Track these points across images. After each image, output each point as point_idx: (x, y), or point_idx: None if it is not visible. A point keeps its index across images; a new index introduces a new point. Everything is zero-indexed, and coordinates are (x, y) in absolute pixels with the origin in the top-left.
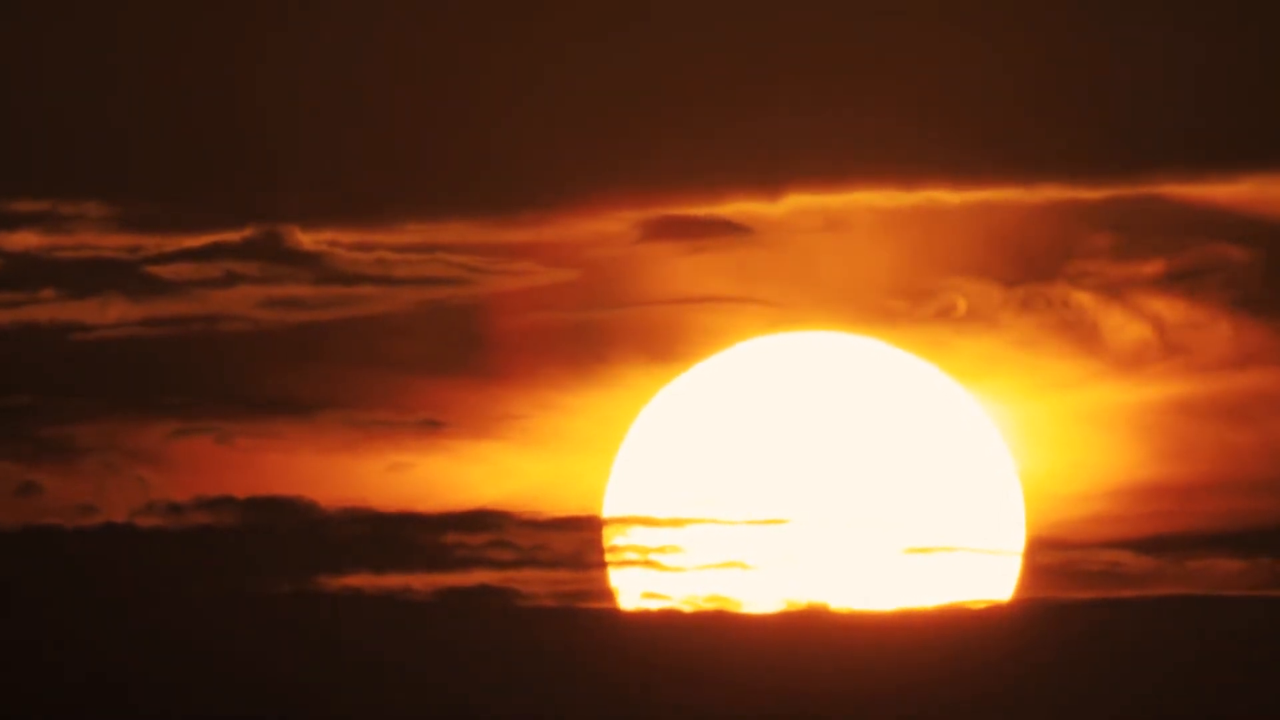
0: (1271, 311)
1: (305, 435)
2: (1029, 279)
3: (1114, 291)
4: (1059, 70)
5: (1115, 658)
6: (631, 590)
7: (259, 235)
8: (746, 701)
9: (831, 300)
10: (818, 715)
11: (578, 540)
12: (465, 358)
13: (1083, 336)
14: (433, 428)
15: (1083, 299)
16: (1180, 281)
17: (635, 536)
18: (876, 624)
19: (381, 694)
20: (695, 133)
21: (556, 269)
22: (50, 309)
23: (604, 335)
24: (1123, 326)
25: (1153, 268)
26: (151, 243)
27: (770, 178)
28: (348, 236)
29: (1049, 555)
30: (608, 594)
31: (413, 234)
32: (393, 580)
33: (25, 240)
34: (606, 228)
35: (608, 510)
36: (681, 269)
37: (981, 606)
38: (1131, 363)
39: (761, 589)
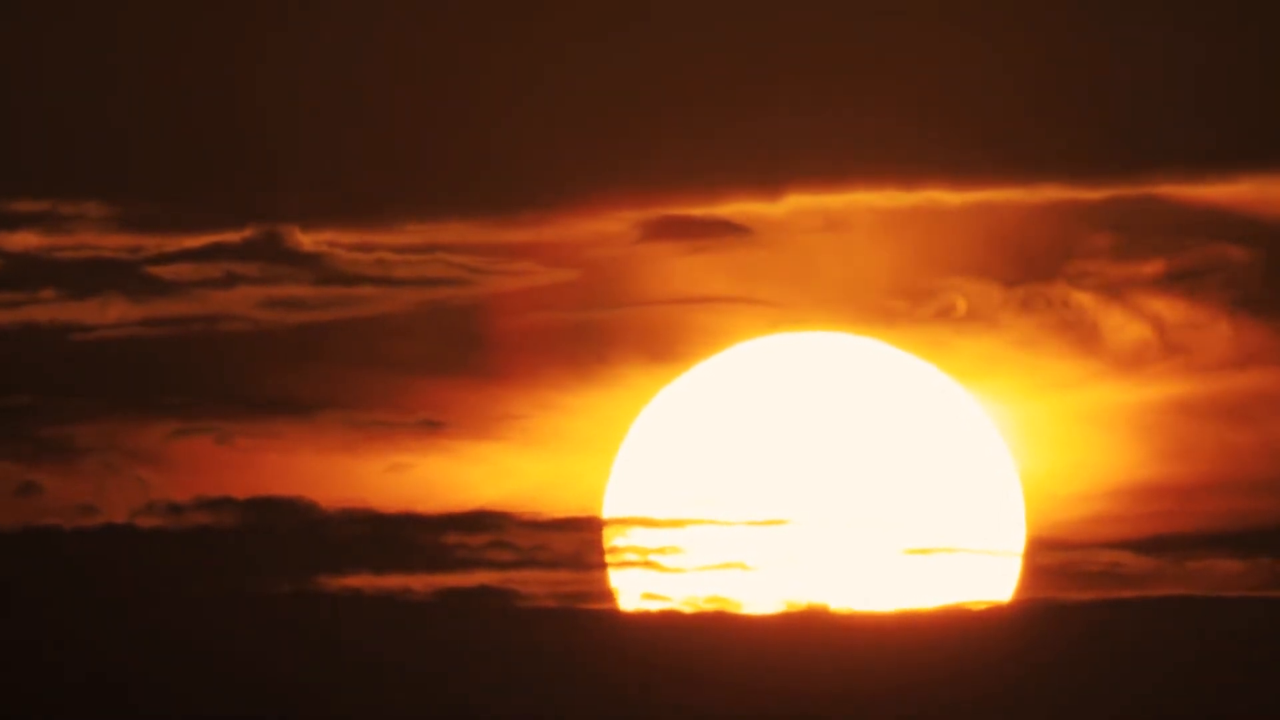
0: (1271, 311)
1: (305, 435)
2: (1029, 279)
3: (1114, 291)
4: (1059, 70)
5: (1115, 658)
6: (631, 591)
7: (259, 235)
8: (746, 702)
9: (831, 300)
10: (818, 715)
11: (578, 541)
12: (465, 358)
13: (1083, 336)
14: (432, 428)
15: (1083, 299)
16: (1180, 281)
17: (635, 537)
18: (876, 625)
19: (381, 694)
20: (695, 133)
21: (556, 269)
22: (50, 309)
23: (604, 335)
24: (1123, 326)
25: (1153, 268)
26: (151, 243)
27: (770, 178)
28: (348, 236)
29: (1049, 556)
30: (608, 595)
31: (413, 234)
32: (393, 581)
33: (25, 240)
34: (606, 228)
35: (608, 511)
36: (681, 269)
37: (982, 607)
38: (1131, 363)
39: (761, 590)
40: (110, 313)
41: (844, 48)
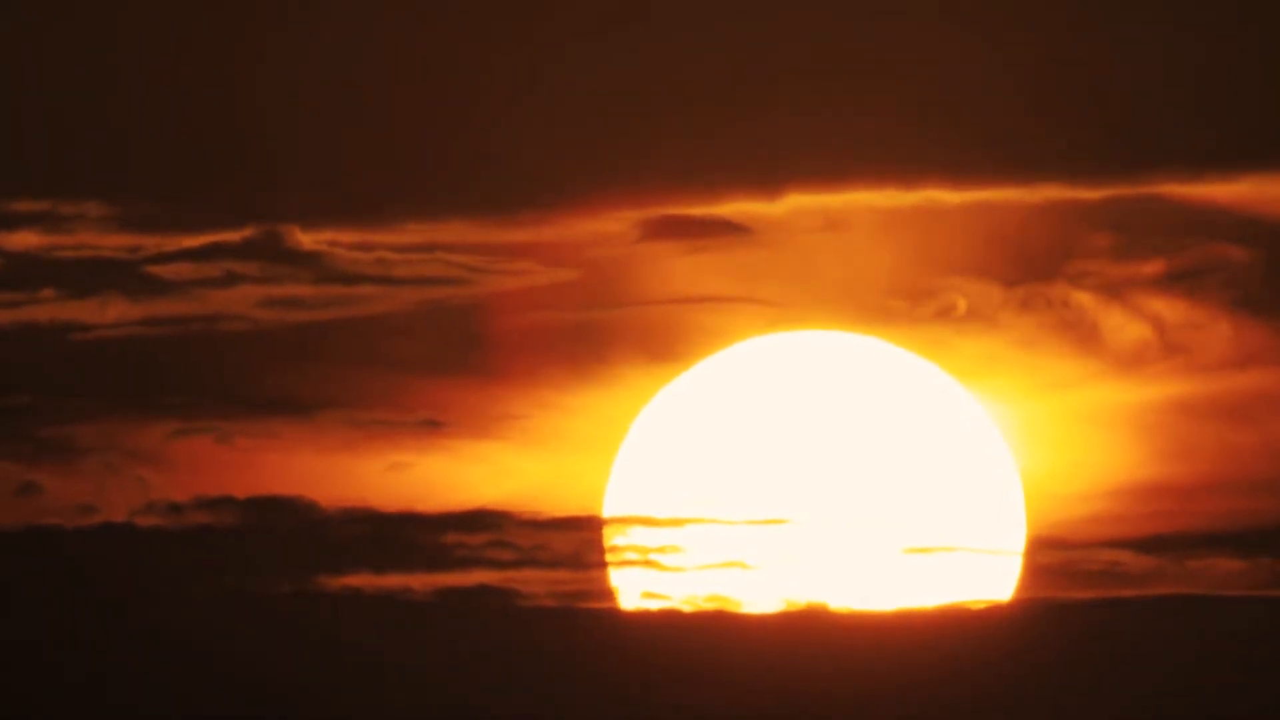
0: (1271, 311)
1: (305, 435)
2: (1029, 279)
3: (1114, 291)
4: (1059, 70)
5: (1115, 658)
6: (631, 590)
7: (259, 235)
8: (746, 701)
9: (831, 300)
10: (818, 715)
11: (578, 540)
12: (465, 358)
13: (1083, 336)
14: (432, 428)
15: (1083, 299)
16: (1180, 281)
17: (635, 536)
18: (876, 624)
19: (381, 694)
20: (695, 133)
21: (556, 269)
22: (50, 309)
23: (604, 335)
24: (1123, 326)
25: (1153, 268)
26: (151, 243)
27: (770, 178)
28: (348, 236)
29: (1049, 555)
30: (608, 594)
31: (413, 234)
32: (393, 580)
33: (25, 240)
34: (606, 228)
35: (608, 510)
36: (681, 269)
37: (981, 606)
38: (1131, 363)
39: (761, 589)
40: (110, 312)
41: (844, 48)
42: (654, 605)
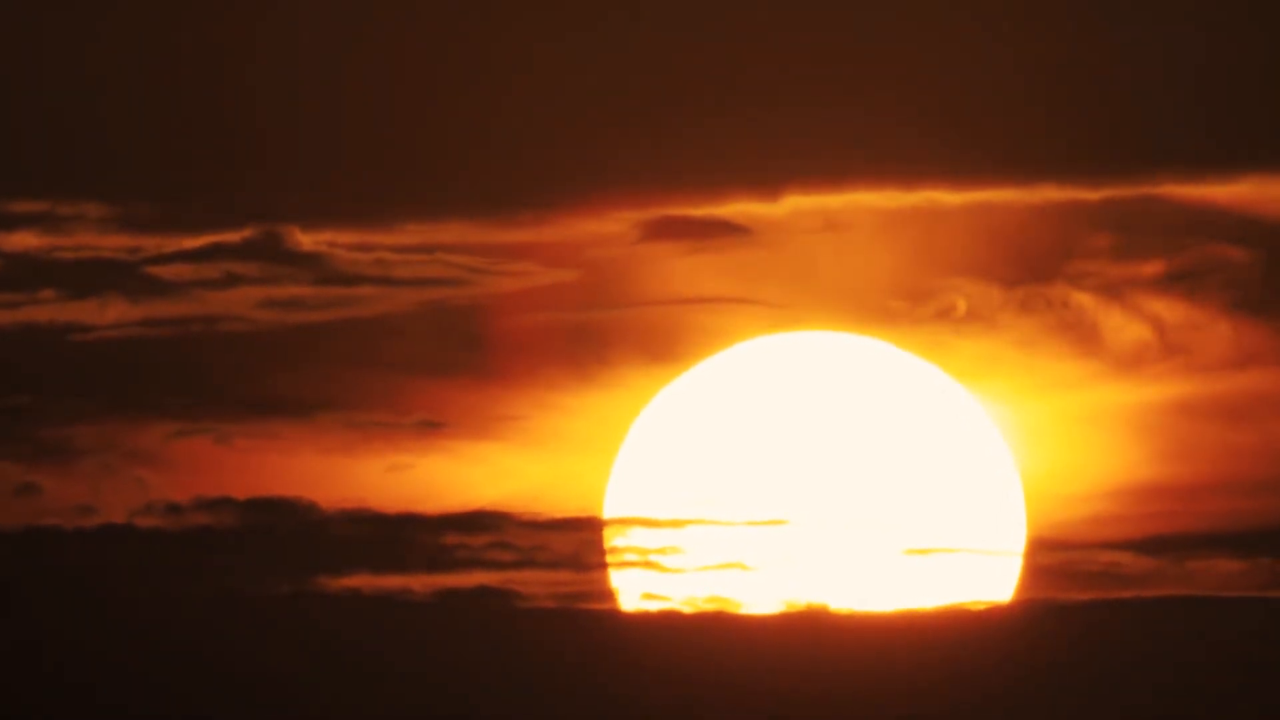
0: (1271, 311)
1: (305, 436)
2: (1029, 279)
3: (1114, 292)
4: (1059, 71)
5: (1115, 659)
6: (631, 591)
7: (259, 235)
8: (746, 703)
9: (831, 300)
10: (818, 716)
11: (577, 541)
12: (465, 358)
13: (1083, 337)
14: (432, 428)
15: (1082, 299)
16: (1180, 282)
17: (635, 537)
18: (876, 625)
19: (381, 694)
20: (695, 133)
21: (556, 269)
22: (50, 309)
23: (604, 335)
24: (1123, 327)
25: (1153, 268)
26: (151, 243)
27: (770, 178)
28: (348, 236)
29: (1049, 556)
30: (608, 595)
31: (413, 234)
32: (392, 581)
33: (25, 240)
34: (606, 228)
35: (608, 511)
36: (681, 269)
37: (982, 607)
38: (1131, 363)
39: (761, 590)
40: (109, 313)
41: (844, 48)
42: (654, 606)
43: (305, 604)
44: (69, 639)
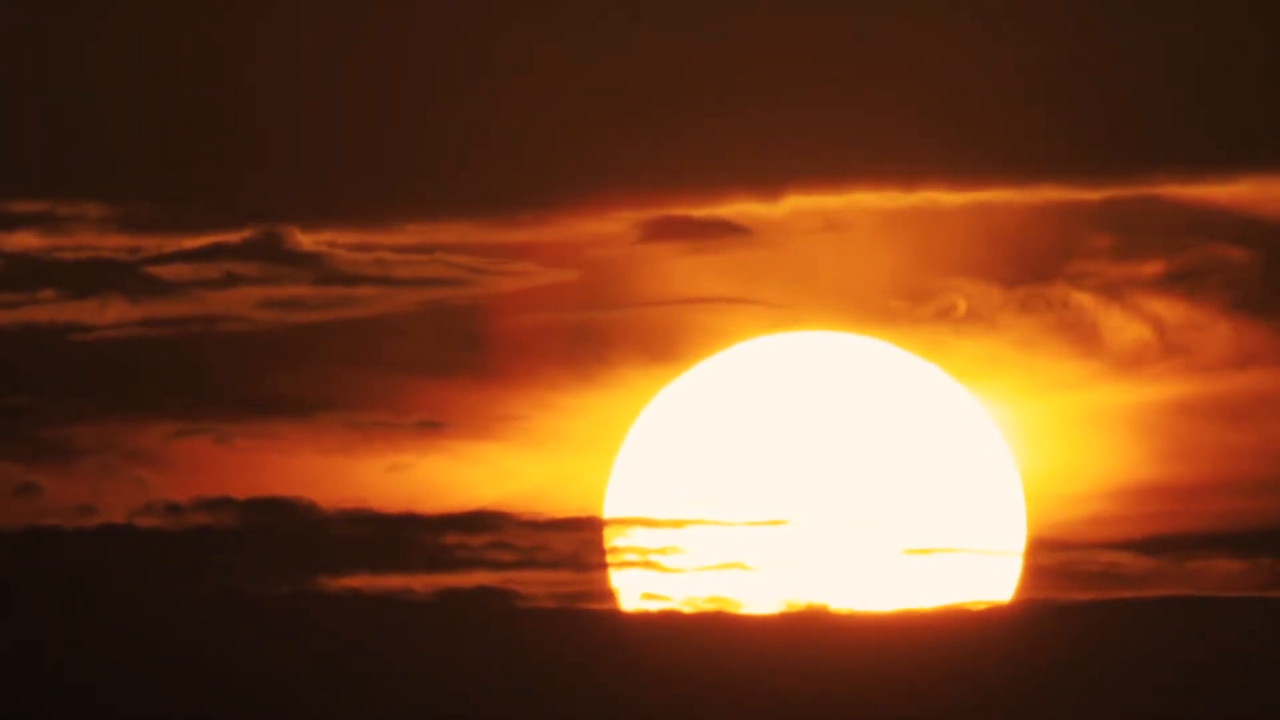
0: (1271, 311)
1: (305, 436)
2: (1028, 280)
3: (1114, 292)
4: (1058, 70)
5: (1115, 659)
6: (631, 591)
7: (259, 235)
8: (746, 703)
9: (831, 300)
10: (818, 716)
11: (577, 541)
12: (465, 358)
13: (1083, 337)
14: (432, 428)
15: (1082, 299)
16: (1180, 282)
17: (635, 537)
18: (876, 625)
19: (381, 694)
20: (695, 133)
21: (556, 269)
22: (50, 309)
23: (604, 335)
24: (1123, 327)
25: (1152, 268)
26: (151, 243)
27: (770, 178)
28: (348, 237)
29: (1049, 556)
30: (608, 595)
31: (413, 234)
32: (392, 581)
33: (25, 241)
34: (606, 228)
35: (608, 511)
36: (681, 269)
37: (982, 607)
38: (1131, 363)
39: (761, 590)
40: (109, 313)
41: (844, 48)
42: (654, 606)
43: (305, 604)
44: (69, 639)
